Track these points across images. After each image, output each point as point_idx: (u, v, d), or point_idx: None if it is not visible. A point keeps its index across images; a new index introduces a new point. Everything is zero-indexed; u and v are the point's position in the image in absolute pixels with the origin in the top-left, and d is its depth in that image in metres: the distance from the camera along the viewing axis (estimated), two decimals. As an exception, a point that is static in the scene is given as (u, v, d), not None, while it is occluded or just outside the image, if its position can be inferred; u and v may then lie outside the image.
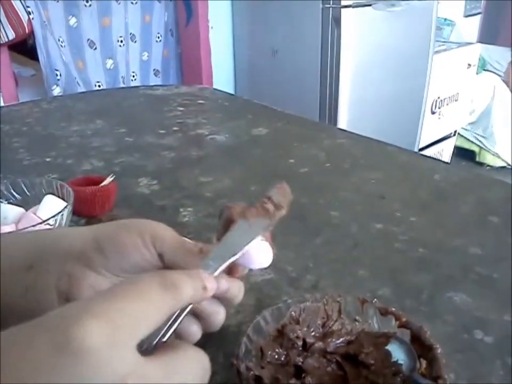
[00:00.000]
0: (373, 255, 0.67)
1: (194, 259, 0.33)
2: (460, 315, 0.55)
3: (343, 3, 2.06)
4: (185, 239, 0.36)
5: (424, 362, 0.43)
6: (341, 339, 0.46)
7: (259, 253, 0.35)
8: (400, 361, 0.43)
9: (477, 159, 3.57)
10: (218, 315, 0.34)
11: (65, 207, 0.67)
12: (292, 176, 0.92)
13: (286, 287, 0.59)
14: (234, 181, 0.89)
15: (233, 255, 0.34)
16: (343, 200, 0.83)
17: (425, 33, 2.48)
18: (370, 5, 2.14)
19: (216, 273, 0.32)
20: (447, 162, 1.03)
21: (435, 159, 1.04)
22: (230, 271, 0.35)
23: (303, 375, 0.42)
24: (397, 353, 0.45)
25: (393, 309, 0.47)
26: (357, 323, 0.47)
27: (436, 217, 0.77)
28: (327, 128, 1.59)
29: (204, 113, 1.30)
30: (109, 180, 0.79)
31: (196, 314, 0.34)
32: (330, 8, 2.09)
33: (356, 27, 2.14)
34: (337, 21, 2.09)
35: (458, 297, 0.57)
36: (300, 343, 0.45)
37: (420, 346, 0.44)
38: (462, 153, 3.51)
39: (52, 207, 0.68)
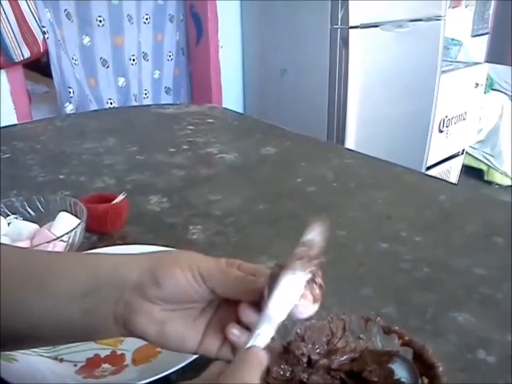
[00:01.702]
0: (378, 274, 0.68)
1: (246, 289, 0.36)
2: (463, 334, 0.56)
3: (351, 24, 2.09)
4: (231, 269, 0.37)
5: (426, 381, 0.44)
6: (345, 356, 0.47)
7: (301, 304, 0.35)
8: (402, 379, 0.44)
9: (485, 178, 3.57)
10: None
11: (79, 224, 0.69)
12: (299, 195, 0.93)
13: (292, 305, 0.60)
14: (242, 200, 0.91)
15: (278, 321, 0.35)
16: (349, 220, 0.84)
17: (432, 53, 2.51)
18: (378, 26, 2.17)
19: (266, 343, 0.34)
20: (453, 183, 1.04)
21: (441, 179, 1.05)
22: None
23: None
24: (400, 371, 0.45)
25: (396, 328, 0.48)
26: (360, 341, 0.48)
27: (441, 237, 0.78)
28: (335, 148, 1.61)
29: (214, 132, 1.32)
30: (120, 197, 0.81)
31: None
32: (339, 29, 2.12)
33: (363, 47, 2.17)
34: (345, 41, 2.13)
35: (462, 317, 0.58)
36: (305, 359, 0.46)
37: (422, 364, 0.45)
38: (470, 172, 3.51)
39: (66, 224, 0.70)
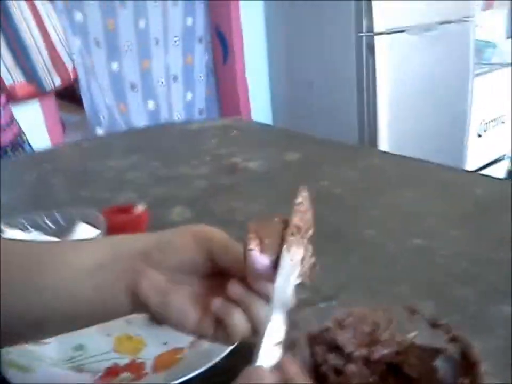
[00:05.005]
0: (412, 271, 0.63)
1: (241, 266, 0.37)
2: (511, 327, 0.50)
3: (376, 30, 2.06)
4: (235, 243, 0.39)
5: (467, 381, 0.39)
6: (388, 349, 0.43)
7: None
8: (444, 378, 0.40)
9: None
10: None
11: (98, 234, 0.67)
12: (325, 197, 0.89)
13: (320, 306, 0.56)
14: (265, 205, 0.88)
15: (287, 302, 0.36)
16: (377, 219, 0.79)
17: (464, 57, 2.44)
18: (404, 31, 2.13)
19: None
20: (487, 175, 0.97)
21: (476, 173, 0.99)
22: None
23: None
24: (444, 368, 0.41)
25: (443, 322, 0.43)
26: (406, 335, 0.44)
27: (477, 230, 0.72)
28: (361, 149, 1.56)
29: (237, 143, 1.30)
30: (140, 208, 0.80)
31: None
32: (364, 36, 2.09)
33: (390, 54, 2.13)
34: (371, 49, 2.09)
35: (510, 309, 0.53)
36: (341, 348, 0.42)
37: (467, 362, 0.40)
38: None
39: (85, 234, 0.69)
